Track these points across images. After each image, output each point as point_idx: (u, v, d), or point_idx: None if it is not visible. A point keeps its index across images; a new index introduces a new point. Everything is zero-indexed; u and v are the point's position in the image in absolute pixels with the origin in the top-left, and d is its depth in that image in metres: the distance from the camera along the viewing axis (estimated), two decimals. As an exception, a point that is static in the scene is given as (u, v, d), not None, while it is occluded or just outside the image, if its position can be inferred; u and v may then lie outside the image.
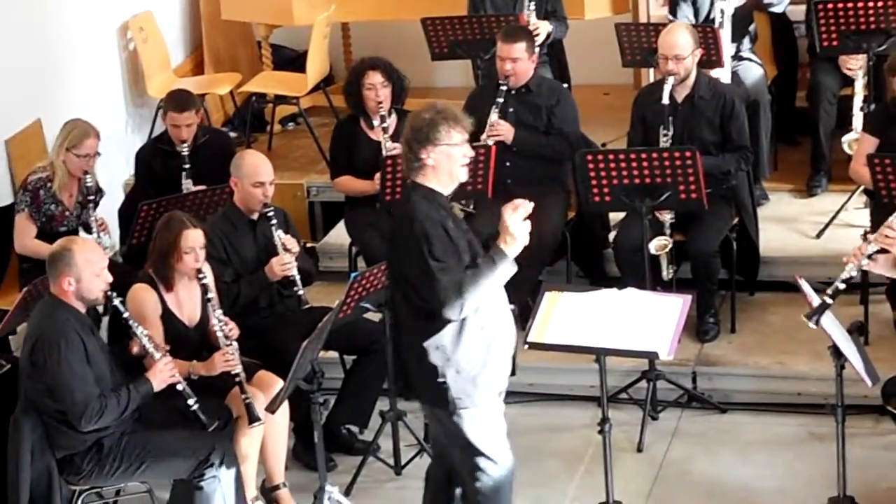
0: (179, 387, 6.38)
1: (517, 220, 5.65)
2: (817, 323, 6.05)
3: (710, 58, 8.29)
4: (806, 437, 7.32)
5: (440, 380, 5.71)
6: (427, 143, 5.68)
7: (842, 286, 6.13)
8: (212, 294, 6.67)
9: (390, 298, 5.97)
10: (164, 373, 6.33)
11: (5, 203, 8.47)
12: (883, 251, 5.97)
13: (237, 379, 6.55)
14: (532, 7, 8.81)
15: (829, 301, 6.08)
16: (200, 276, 6.67)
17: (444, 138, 5.70)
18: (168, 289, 6.72)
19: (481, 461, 5.83)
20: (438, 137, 5.69)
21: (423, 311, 5.63)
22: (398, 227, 5.75)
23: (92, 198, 7.89)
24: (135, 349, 6.48)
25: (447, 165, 5.72)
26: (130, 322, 6.35)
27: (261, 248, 7.27)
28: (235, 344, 6.61)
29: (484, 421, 5.81)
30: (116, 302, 6.31)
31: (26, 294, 6.93)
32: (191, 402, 6.38)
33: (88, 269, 6.22)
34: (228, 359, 6.55)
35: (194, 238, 6.67)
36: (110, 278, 6.31)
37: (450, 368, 5.70)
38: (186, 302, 6.78)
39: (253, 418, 6.51)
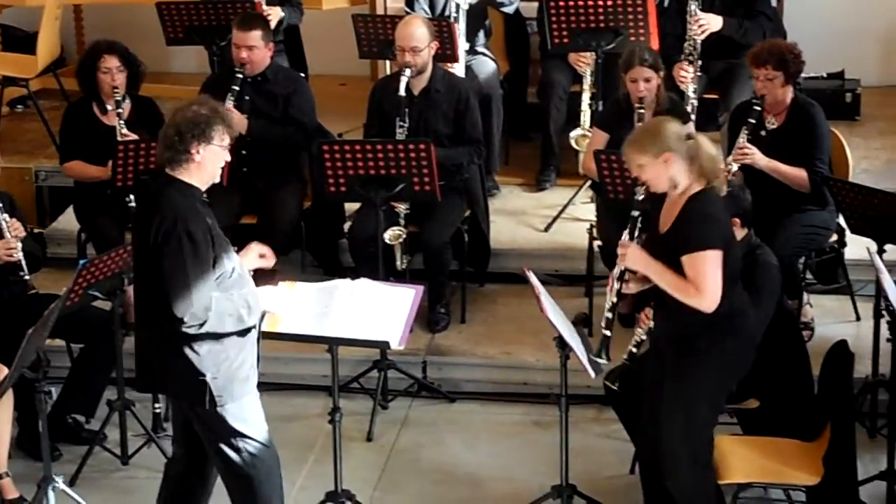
0: None
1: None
2: (608, 359, 6.25)
3: (446, 52, 8.40)
4: (531, 425, 7.48)
5: (200, 378, 5.67)
6: (202, 138, 5.62)
7: (610, 315, 6.29)
8: None
9: (136, 289, 5.84)
10: None
11: None
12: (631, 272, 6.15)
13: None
14: (264, -8, 8.80)
15: (608, 333, 6.27)
16: None
17: (217, 138, 5.66)
18: None
19: (252, 448, 5.84)
20: (213, 136, 5.64)
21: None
22: (151, 221, 5.60)
23: None
24: None
25: (212, 165, 5.69)
26: None
27: (-15, 232, 7.09)
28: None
29: (249, 410, 5.84)
30: None
31: None
32: None
33: None
34: None
35: None
36: None
37: (208, 367, 5.67)
38: None
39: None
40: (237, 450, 5.85)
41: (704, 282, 5.78)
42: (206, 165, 5.68)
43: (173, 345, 5.66)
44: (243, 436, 5.84)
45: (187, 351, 5.66)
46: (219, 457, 5.89)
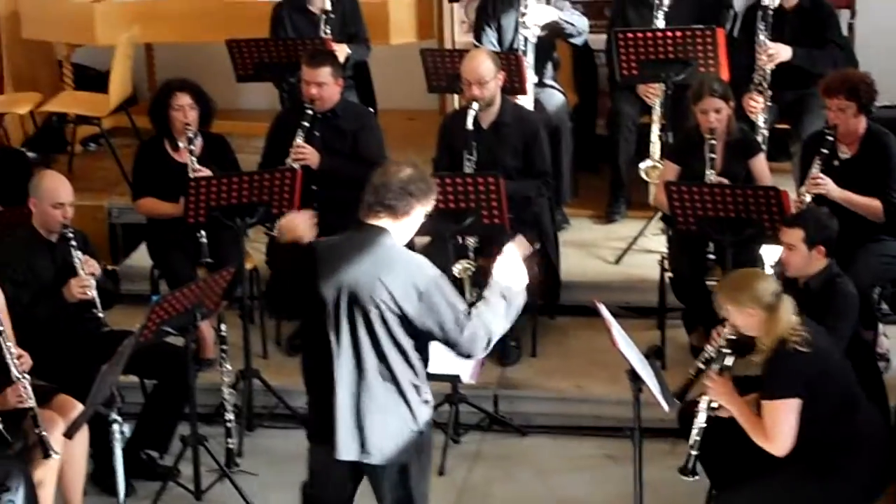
0: None
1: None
2: (696, 475, 6.27)
3: (514, 84, 8.40)
4: (604, 459, 7.43)
5: (413, 429, 5.60)
6: (424, 199, 5.59)
7: (702, 366, 6.31)
8: (2, 327, 6.50)
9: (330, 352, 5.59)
10: None
11: None
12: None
13: (31, 414, 6.40)
14: (328, 31, 8.85)
15: (694, 453, 6.26)
16: None
17: (428, 205, 5.64)
18: None
19: None
20: (429, 200, 5.63)
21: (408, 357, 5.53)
22: (388, 272, 5.47)
23: None
24: None
25: (411, 228, 5.65)
26: None
27: (59, 269, 7.14)
28: (28, 378, 6.45)
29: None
30: None
31: None
32: None
33: None
34: (20, 394, 6.40)
35: None
36: None
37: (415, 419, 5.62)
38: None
39: (46, 453, 6.37)
40: None
41: (774, 430, 5.96)
42: (410, 226, 5.64)
43: (395, 397, 5.59)
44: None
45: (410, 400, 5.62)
46: None
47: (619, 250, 8.71)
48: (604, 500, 6.99)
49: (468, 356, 5.61)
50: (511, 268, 5.69)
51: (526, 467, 7.41)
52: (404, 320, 5.47)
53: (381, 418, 5.52)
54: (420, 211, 5.61)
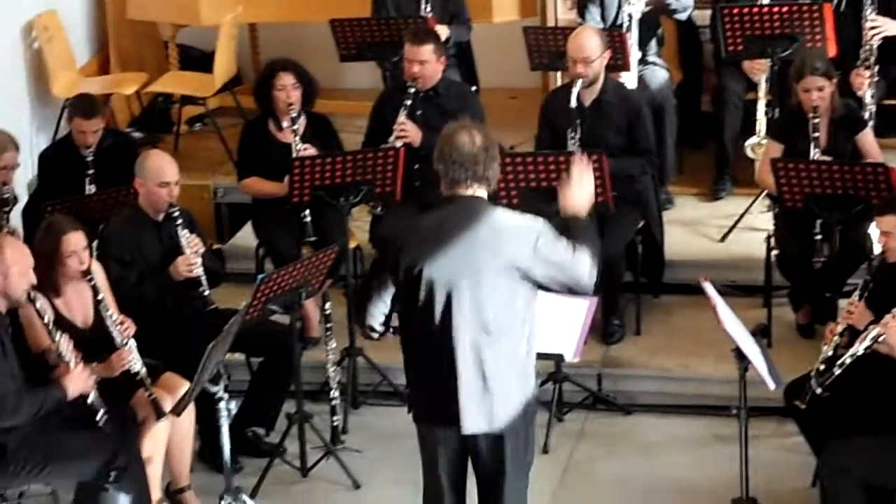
0: (90, 399, 6.27)
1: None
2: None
3: (617, 62, 8.35)
4: (710, 438, 7.38)
5: (528, 397, 5.56)
6: (498, 156, 5.56)
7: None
8: (102, 295, 6.59)
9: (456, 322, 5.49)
10: (79, 381, 6.24)
11: None
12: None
13: (138, 377, 6.49)
14: (429, 10, 8.85)
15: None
16: (88, 277, 6.59)
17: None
18: (56, 294, 6.60)
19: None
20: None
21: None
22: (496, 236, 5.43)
23: (7, 208, 7.80)
24: (51, 355, 6.36)
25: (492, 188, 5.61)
26: (50, 328, 6.26)
27: (166, 248, 7.21)
28: (133, 342, 6.54)
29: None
30: (39, 304, 6.23)
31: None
32: (98, 415, 6.29)
33: (16, 267, 6.13)
34: (125, 357, 6.49)
35: (75, 241, 6.57)
36: (34, 280, 6.23)
37: (528, 389, 5.59)
38: (78, 304, 6.68)
39: (160, 414, 6.46)
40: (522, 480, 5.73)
41: None
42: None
43: (516, 363, 5.55)
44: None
45: (525, 364, 5.58)
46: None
47: (724, 228, 8.63)
48: (709, 480, 6.94)
49: (585, 291, 5.54)
50: (580, 189, 5.62)
51: (630, 446, 7.39)
52: (524, 280, 5.41)
53: (502, 389, 5.46)
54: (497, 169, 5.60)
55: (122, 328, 6.56)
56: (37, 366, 6.38)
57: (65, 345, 6.24)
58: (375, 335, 5.84)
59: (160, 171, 7.19)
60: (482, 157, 5.48)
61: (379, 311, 5.78)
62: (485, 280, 5.40)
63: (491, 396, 5.46)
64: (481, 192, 5.51)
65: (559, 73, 9.25)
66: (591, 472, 7.20)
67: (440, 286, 5.45)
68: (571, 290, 5.52)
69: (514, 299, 5.43)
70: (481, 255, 5.40)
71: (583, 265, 5.44)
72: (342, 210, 7.67)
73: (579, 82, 7.85)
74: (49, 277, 6.55)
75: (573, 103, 7.84)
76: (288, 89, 8.03)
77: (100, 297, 6.59)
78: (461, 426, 5.49)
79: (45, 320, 6.22)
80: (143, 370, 6.51)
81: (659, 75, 8.90)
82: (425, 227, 5.58)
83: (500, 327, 5.44)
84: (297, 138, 7.99)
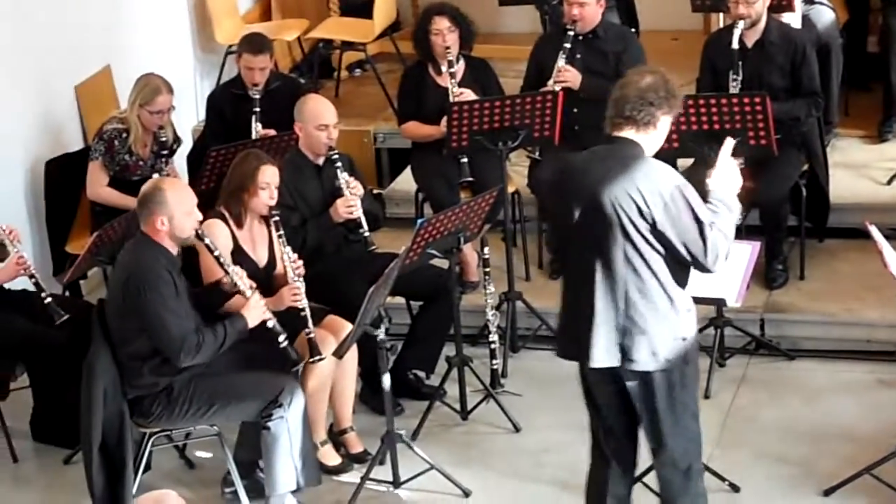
0: (270, 324, 6.39)
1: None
2: None
3: (781, 2, 8.21)
4: (875, 384, 7.28)
5: (677, 336, 5.49)
6: (666, 107, 5.47)
7: None
8: (281, 231, 6.71)
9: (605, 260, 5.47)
10: (257, 310, 6.36)
11: (76, 148, 8.53)
12: None
13: (303, 314, 6.58)
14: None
15: None
16: (273, 212, 6.71)
17: (672, 114, 5.51)
18: (239, 226, 6.76)
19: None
20: (672, 109, 5.50)
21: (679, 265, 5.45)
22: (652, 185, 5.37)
23: (165, 152, 7.95)
24: (225, 286, 6.46)
25: (658, 137, 5.52)
26: (222, 260, 6.38)
27: (326, 192, 7.28)
28: (302, 281, 6.63)
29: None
30: (207, 240, 6.34)
31: (97, 239, 6.99)
32: (281, 338, 6.40)
33: (180, 208, 6.25)
34: (296, 292, 6.58)
35: (271, 174, 6.72)
36: (200, 217, 6.35)
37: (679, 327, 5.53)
38: (256, 241, 6.82)
39: (314, 353, 6.54)
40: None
41: None
42: (661, 135, 5.53)
43: (666, 304, 5.49)
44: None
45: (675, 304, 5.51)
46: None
47: (890, 171, 8.48)
48: (874, 426, 6.84)
49: (706, 270, 5.44)
50: (727, 176, 5.55)
51: (793, 392, 7.30)
52: (654, 229, 5.37)
53: (643, 326, 5.44)
54: (665, 120, 5.48)
55: (295, 266, 6.65)
56: (210, 295, 6.51)
57: (240, 275, 6.36)
58: None
59: (318, 114, 7.26)
60: (634, 97, 5.42)
61: None
62: (622, 218, 5.36)
63: (626, 333, 5.44)
64: (632, 133, 5.45)
65: (721, 15, 9.11)
66: (754, 417, 7.13)
67: (585, 220, 5.43)
68: (692, 264, 5.43)
69: (650, 240, 5.37)
70: (616, 195, 5.35)
71: (710, 248, 5.35)
72: (500, 155, 7.66)
73: (741, 23, 7.73)
74: (235, 209, 6.71)
75: (735, 45, 7.72)
76: (444, 33, 8.03)
77: (280, 233, 6.70)
78: (590, 359, 5.49)
79: (216, 254, 6.33)
80: (308, 310, 6.60)
81: (825, 15, 8.73)
82: (574, 164, 5.56)
83: (635, 265, 5.38)
84: (455, 82, 7.99)
